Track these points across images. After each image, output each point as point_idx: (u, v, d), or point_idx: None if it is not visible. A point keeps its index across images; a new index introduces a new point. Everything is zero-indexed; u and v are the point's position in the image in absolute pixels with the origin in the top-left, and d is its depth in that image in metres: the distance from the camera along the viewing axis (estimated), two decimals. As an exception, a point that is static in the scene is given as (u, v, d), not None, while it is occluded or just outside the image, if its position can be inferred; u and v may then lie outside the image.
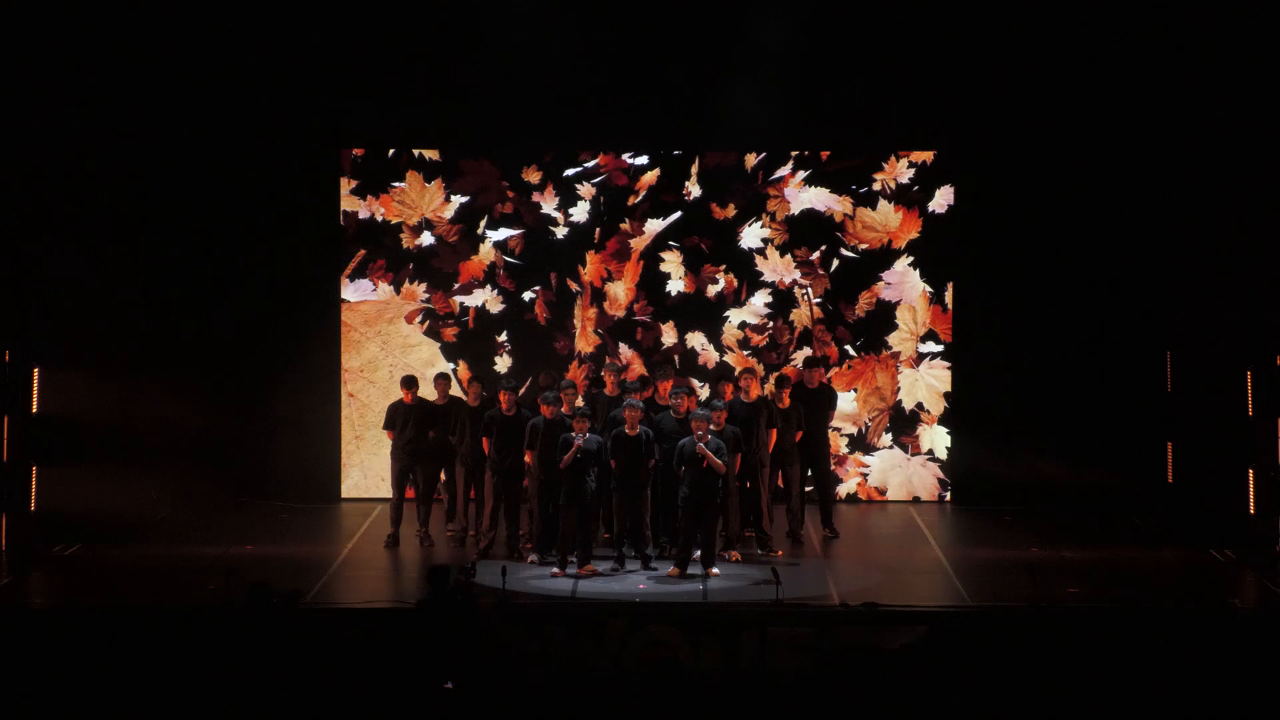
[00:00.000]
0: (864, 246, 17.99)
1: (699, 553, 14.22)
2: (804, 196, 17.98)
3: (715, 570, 14.13)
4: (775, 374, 16.89)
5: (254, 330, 17.66)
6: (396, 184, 17.91)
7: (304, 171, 17.75)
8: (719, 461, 14.10)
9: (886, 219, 17.99)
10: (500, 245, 17.97)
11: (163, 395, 17.31)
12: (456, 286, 17.98)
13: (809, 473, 16.08)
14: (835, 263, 18.00)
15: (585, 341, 17.99)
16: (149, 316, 17.32)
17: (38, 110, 16.13)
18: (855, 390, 18.10)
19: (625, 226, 17.97)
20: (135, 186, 17.18)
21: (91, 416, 16.65)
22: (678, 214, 17.98)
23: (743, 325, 18.03)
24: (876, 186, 17.93)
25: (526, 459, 14.85)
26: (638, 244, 18.00)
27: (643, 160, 17.99)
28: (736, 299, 18.02)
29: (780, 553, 15.15)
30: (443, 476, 15.84)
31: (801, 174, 17.95)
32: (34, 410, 15.77)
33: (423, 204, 17.97)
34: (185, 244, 17.52)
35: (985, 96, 17.48)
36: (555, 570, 14.25)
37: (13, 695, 11.91)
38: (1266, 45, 15.92)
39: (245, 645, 11.89)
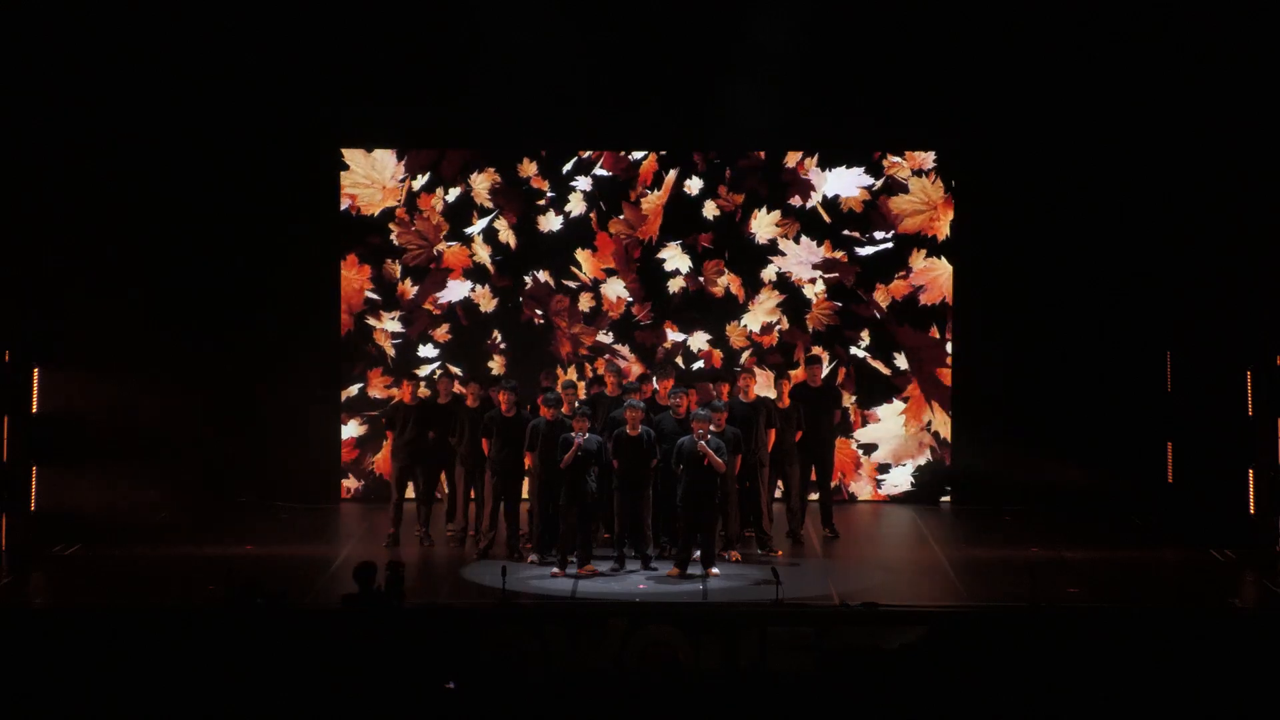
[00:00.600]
0: (897, 233, 17.89)
1: (699, 553, 14.22)
2: (825, 187, 17.92)
3: (715, 570, 14.13)
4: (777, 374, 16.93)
5: (253, 330, 17.66)
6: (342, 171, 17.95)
7: (303, 170, 17.74)
8: (719, 460, 14.10)
9: (927, 193, 17.87)
10: (490, 236, 17.93)
11: (163, 395, 17.32)
12: (431, 274, 17.93)
13: (812, 469, 16.07)
14: (840, 253, 17.99)
15: (566, 343, 17.95)
16: (149, 316, 17.31)
17: (37, 110, 16.14)
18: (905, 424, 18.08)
19: (625, 217, 17.92)
20: (135, 186, 17.18)
21: (91, 416, 16.67)
22: (673, 172, 17.90)
23: (764, 328, 17.99)
24: (895, 177, 17.91)
25: (526, 461, 14.85)
26: (643, 227, 17.92)
27: (640, 154, 17.99)
28: (745, 303, 17.95)
29: (780, 553, 15.15)
30: (444, 478, 15.83)
31: (813, 160, 17.91)
32: (34, 410, 15.78)
33: (379, 176, 17.91)
34: (185, 244, 17.53)
35: (986, 97, 17.49)
36: (555, 570, 14.25)
37: (13, 695, 11.91)
38: (1266, 45, 15.91)
39: (233, 645, 11.91)
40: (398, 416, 15.67)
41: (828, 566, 14.92)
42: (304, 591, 13.37)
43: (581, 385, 16.46)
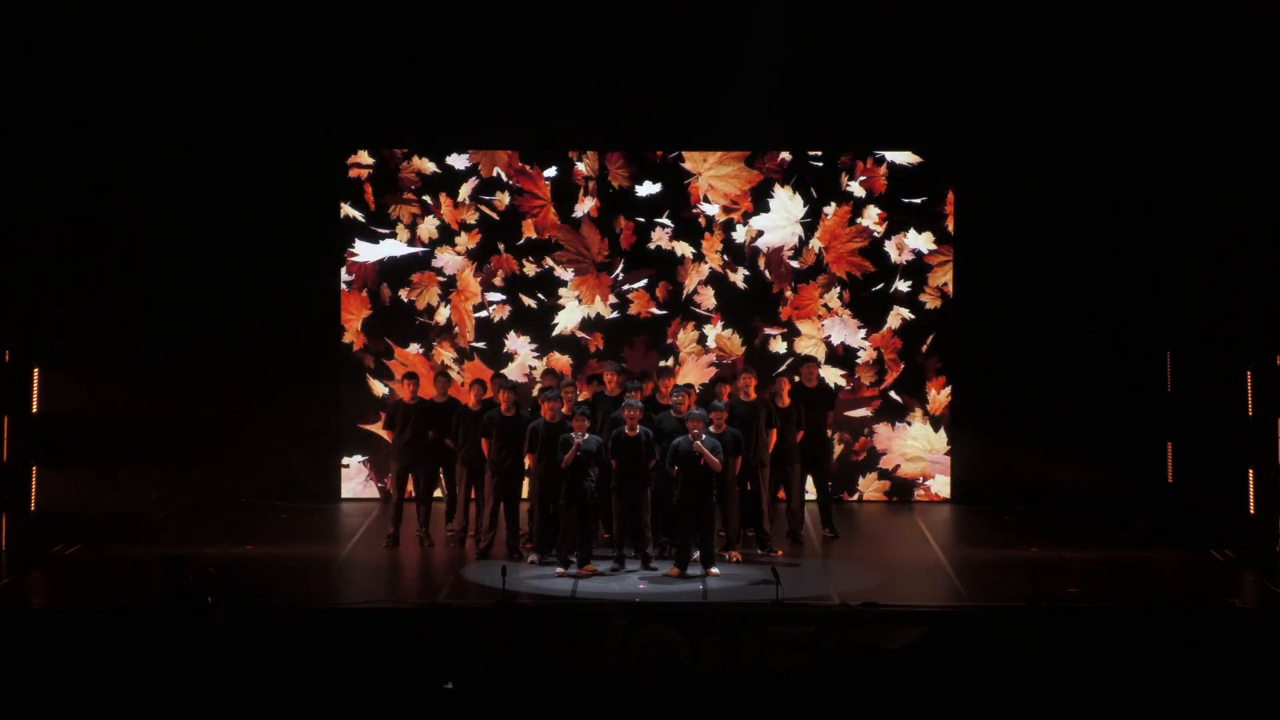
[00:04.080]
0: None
1: (699, 553, 14.22)
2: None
3: (715, 570, 14.12)
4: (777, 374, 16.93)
5: (254, 329, 17.64)
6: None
7: (304, 172, 17.73)
8: (716, 460, 14.08)
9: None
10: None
11: (163, 395, 17.32)
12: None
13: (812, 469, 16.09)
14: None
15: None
16: (149, 316, 17.33)
17: (38, 111, 16.15)
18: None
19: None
20: (135, 186, 17.18)
21: (91, 416, 16.67)
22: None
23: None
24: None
25: (527, 461, 14.84)
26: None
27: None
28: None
29: (780, 553, 15.14)
30: (441, 477, 15.83)
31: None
32: (34, 410, 15.78)
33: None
34: (185, 244, 17.53)
35: (985, 96, 17.47)
36: (559, 570, 14.23)
37: (13, 695, 11.92)
38: (1266, 45, 15.92)
39: (233, 645, 11.94)
40: (398, 416, 15.66)
41: (828, 566, 14.91)
42: (304, 592, 13.36)
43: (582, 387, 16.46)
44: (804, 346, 17.84)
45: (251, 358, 17.64)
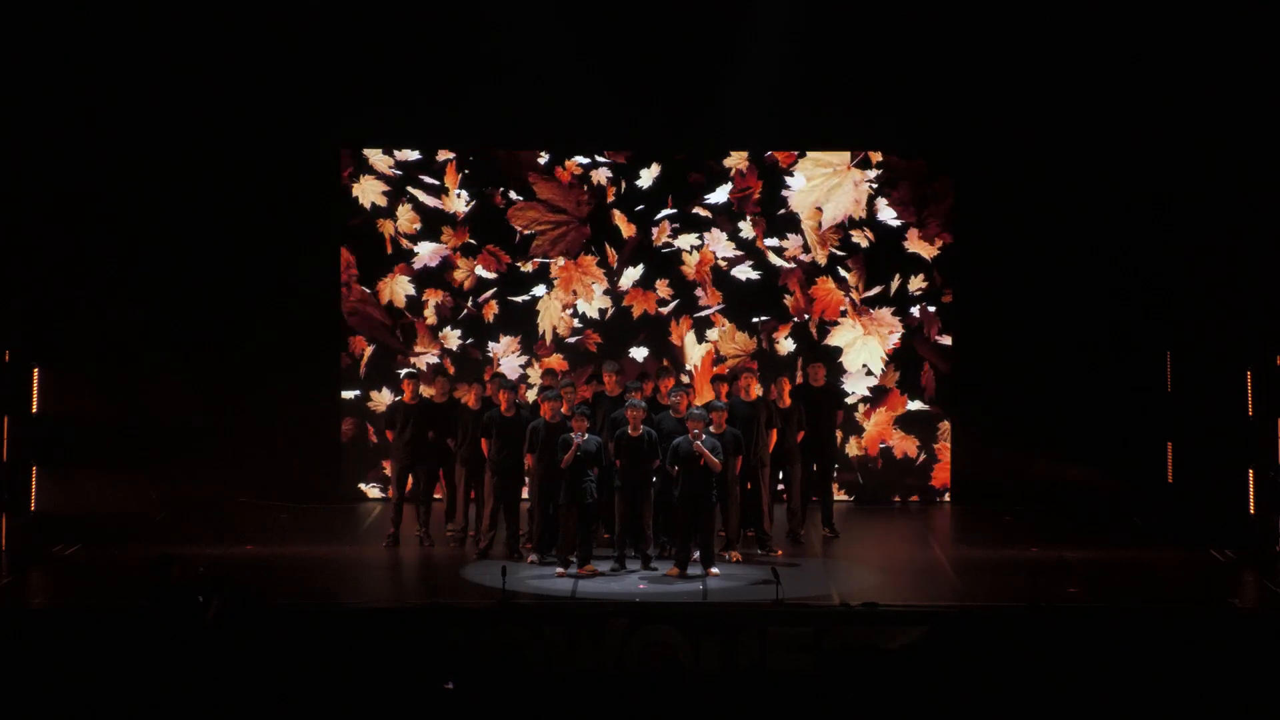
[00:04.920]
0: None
1: (699, 553, 14.22)
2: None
3: (715, 570, 14.12)
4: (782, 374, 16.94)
5: (254, 330, 17.65)
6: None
7: (304, 171, 17.74)
8: (715, 460, 14.08)
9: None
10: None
11: (163, 395, 17.33)
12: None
13: (814, 467, 16.07)
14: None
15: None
16: (149, 316, 17.32)
17: (36, 111, 16.15)
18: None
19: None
20: (135, 186, 17.18)
21: (91, 416, 16.67)
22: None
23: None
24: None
25: (527, 462, 14.84)
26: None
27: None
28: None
29: (780, 553, 15.14)
30: (441, 477, 15.82)
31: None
32: (34, 410, 15.78)
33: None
34: (185, 244, 17.53)
35: (986, 95, 17.48)
36: (559, 570, 14.23)
37: (13, 695, 11.91)
38: (1266, 45, 15.92)
39: (233, 646, 11.92)
40: (398, 416, 15.66)
41: (828, 566, 14.91)
42: (304, 592, 13.36)
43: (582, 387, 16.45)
44: (853, 353, 17.82)
45: (251, 357, 17.64)
